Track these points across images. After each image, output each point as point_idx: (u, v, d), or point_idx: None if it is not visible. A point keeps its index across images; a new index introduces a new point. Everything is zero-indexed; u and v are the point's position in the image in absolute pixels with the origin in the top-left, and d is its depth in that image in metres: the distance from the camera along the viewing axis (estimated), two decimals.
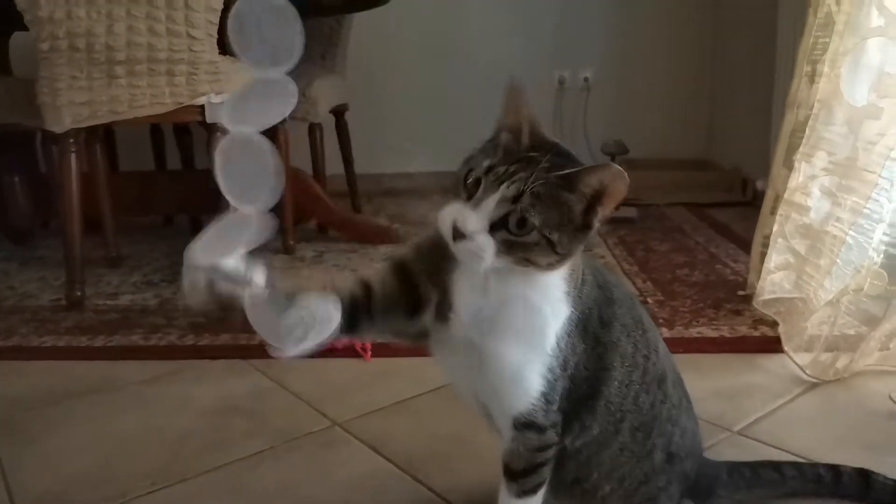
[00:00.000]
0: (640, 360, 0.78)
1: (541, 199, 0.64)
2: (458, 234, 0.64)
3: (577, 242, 0.67)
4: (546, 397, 0.73)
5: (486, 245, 0.64)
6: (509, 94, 0.70)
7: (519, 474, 0.77)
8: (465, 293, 0.71)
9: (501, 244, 0.65)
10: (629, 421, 0.78)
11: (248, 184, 0.65)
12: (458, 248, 0.65)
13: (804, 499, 0.95)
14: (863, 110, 1.37)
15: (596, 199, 0.65)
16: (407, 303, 0.74)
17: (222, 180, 0.65)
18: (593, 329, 0.75)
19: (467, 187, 0.66)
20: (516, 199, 0.64)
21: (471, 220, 0.64)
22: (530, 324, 0.71)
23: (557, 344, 0.72)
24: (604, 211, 0.66)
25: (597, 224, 0.67)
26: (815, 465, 0.96)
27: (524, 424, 0.74)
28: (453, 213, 0.65)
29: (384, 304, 0.74)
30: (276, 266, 2.18)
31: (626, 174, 0.64)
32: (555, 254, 0.66)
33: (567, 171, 0.65)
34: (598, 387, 0.76)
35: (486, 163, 0.66)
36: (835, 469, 0.94)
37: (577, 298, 0.73)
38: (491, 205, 0.64)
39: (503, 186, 0.64)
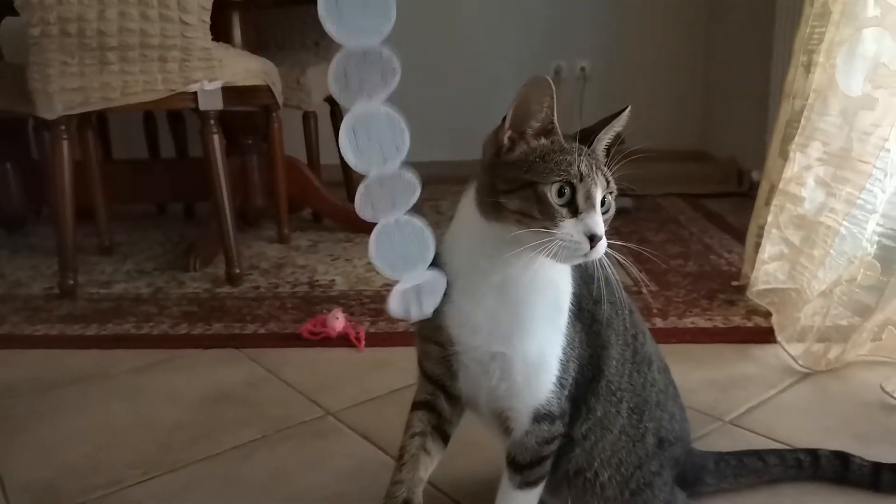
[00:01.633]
0: (630, 339, 0.81)
1: (606, 174, 0.71)
2: (596, 239, 0.67)
3: None
4: (560, 381, 0.75)
5: (603, 234, 0.69)
6: (541, 87, 0.69)
7: (525, 466, 0.78)
8: (470, 319, 0.73)
9: (608, 221, 0.71)
10: (627, 402, 0.79)
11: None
12: (595, 252, 0.68)
13: (787, 484, 0.96)
14: (858, 101, 1.37)
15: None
16: (449, 416, 0.82)
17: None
18: (588, 306, 0.77)
19: (564, 197, 0.68)
20: (606, 186, 0.70)
21: (599, 224, 0.68)
22: (551, 301, 0.74)
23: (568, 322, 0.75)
24: None
25: None
26: (794, 451, 0.99)
27: (543, 416, 0.75)
28: (577, 230, 0.67)
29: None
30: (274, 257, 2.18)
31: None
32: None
33: (606, 136, 0.73)
34: (600, 366, 0.78)
35: (572, 170, 0.68)
36: (813, 453, 0.97)
37: (573, 271, 0.76)
38: (599, 202, 0.69)
39: (599, 183, 0.69)
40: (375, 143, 0.69)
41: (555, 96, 0.68)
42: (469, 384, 0.78)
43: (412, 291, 0.74)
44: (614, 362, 0.78)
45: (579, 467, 0.80)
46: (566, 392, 0.75)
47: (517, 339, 0.73)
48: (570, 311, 0.75)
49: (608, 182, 0.71)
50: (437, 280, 0.74)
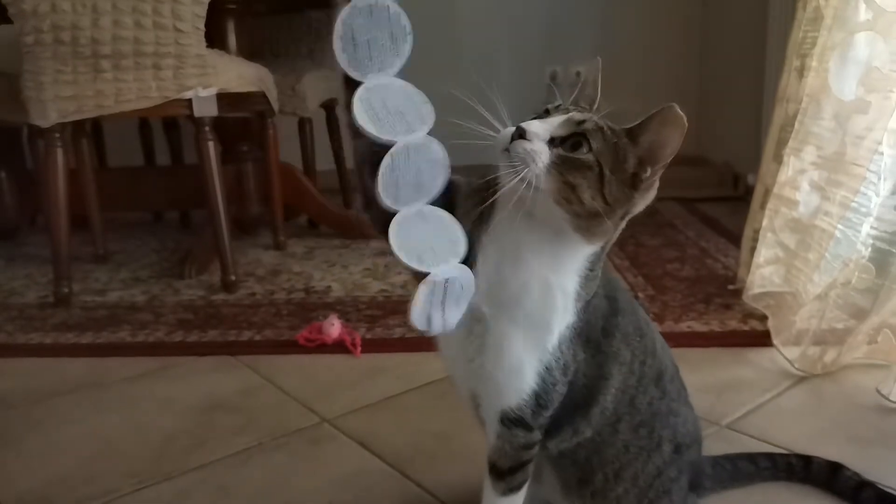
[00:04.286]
0: (637, 366, 0.77)
1: (603, 133, 0.66)
2: (519, 135, 0.65)
3: (621, 200, 0.66)
4: (538, 400, 0.71)
5: (542, 150, 0.64)
6: (590, 72, 0.73)
7: (506, 473, 0.76)
8: (491, 260, 0.69)
9: (556, 158, 0.65)
10: (626, 422, 0.77)
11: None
12: (514, 147, 0.64)
13: (779, 486, 0.98)
14: (851, 105, 1.37)
15: (649, 154, 0.66)
16: None
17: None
18: (595, 338, 0.74)
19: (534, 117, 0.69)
20: (581, 123, 0.65)
21: (535, 124, 0.65)
22: (541, 309, 0.69)
23: (559, 346, 0.71)
24: (654, 170, 0.67)
25: (644, 190, 0.68)
26: (786, 455, 0.99)
27: (512, 420, 0.73)
28: (513, 126, 0.66)
29: None
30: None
31: (683, 118, 0.65)
32: (601, 195, 0.65)
33: (633, 124, 0.67)
34: (594, 395, 0.75)
35: (557, 102, 0.69)
36: (806, 459, 0.98)
37: (585, 308, 0.72)
38: (557, 121, 0.66)
39: (572, 112, 0.67)
40: (396, 112, 0.61)
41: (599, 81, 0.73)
42: (454, 345, 0.75)
43: (436, 295, 0.63)
44: (613, 391, 0.75)
45: (579, 479, 0.79)
46: (547, 412, 0.73)
47: (502, 321, 0.69)
48: (577, 340, 0.72)
49: (582, 124, 0.66)
50: (467, 280, 0.64)
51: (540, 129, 0.65)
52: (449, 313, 0.64)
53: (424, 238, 0.63)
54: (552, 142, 0.65)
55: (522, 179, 0.63)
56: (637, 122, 0.66)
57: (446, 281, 0.63)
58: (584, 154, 0.65)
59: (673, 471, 0.80)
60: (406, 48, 0.62)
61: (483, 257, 0.69)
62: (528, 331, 0.70)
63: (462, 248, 0.65)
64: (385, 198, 0.62)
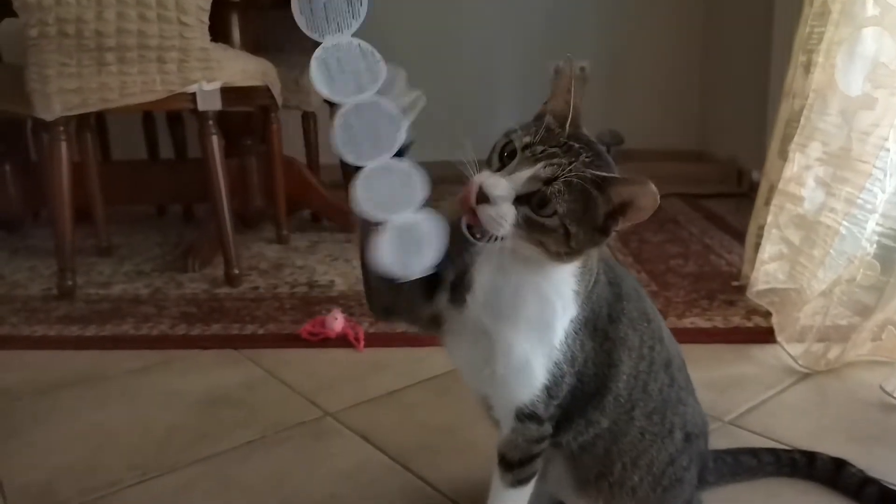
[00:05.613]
0: (647, 351, 0.78)
1: (571, 189, 0.64)
2: (483, 198, 0.64)
3: (591, 243, 0.67)
4: (549, 391, 0.73)
5: (507, 213, 0.64)
6: (562, 78, 0.69)
7: (515, 465, 0.77)
8: (484, 274, 0.71)
9: (522, 219, 0.64)
10: (640, 408, 0.78)
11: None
12: (480, 212, 0.65)
13: (781, 481, 0.98)
14: (857, 100, 1.37)
15: (621, 208, 0.65)
16: (424, 281, 0.71)
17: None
18: (602, 326, 0.75)
19: (502, 158, 0.67)
20: (549, 181, 0.64)
21: (499, 186, 0.64)
22: (540, 314, 0.71)
23: (565, 340, 0.72)
24: (625, 222, 0.66)
25: (614, 232, 0.67)
26: (790, 451, 1.00)
27: (526, 416, 0.74)
28: (483, 178, 0.65)
29: None
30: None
31: (657, 195, 0.63)
32: (567, 246, 0.66)
33: (604, 174, 0.65)
34: (606, 383, 0.75)
35: (526, 139, 0.66)
36: (810, 455, 0.98)
37: (588, 298, 0.73)
38: (523, 178, 0.64)
39: (539, 165, 0.64)
40: (350, 72, 0.64)
41: (574, 89, 0.68)
42: (461, 353, 0.77)
43: (402, 240, 0.65)
44: (625, 377, 0.76)
45: (599, 472, 0.79)
46: (557, 402, 0.74)
47: (503, 328, 0.70)
48: (583, 331, 0.73)
49: (549, 182, 0.63)
50: (431, 226, 0.65)
51: (504, 191, 0.64)
52: (414, 259, 0.66)
53: (389, 190, 0.65)
54: (518, 199, 0.65)
55: (492, 236, 0.64)
56: (611, 177, 0.64)
57: (409, 226, 0.65)
58: (548, 218, 0.64)
59: (684, 459, 0.81)
60: (363, 11, 0.65)
61: (478, 273, 0.71)
62: (532, 333, 0.71)
63: (421, 195, 0.66)
64: (346, 155, 0.65)
